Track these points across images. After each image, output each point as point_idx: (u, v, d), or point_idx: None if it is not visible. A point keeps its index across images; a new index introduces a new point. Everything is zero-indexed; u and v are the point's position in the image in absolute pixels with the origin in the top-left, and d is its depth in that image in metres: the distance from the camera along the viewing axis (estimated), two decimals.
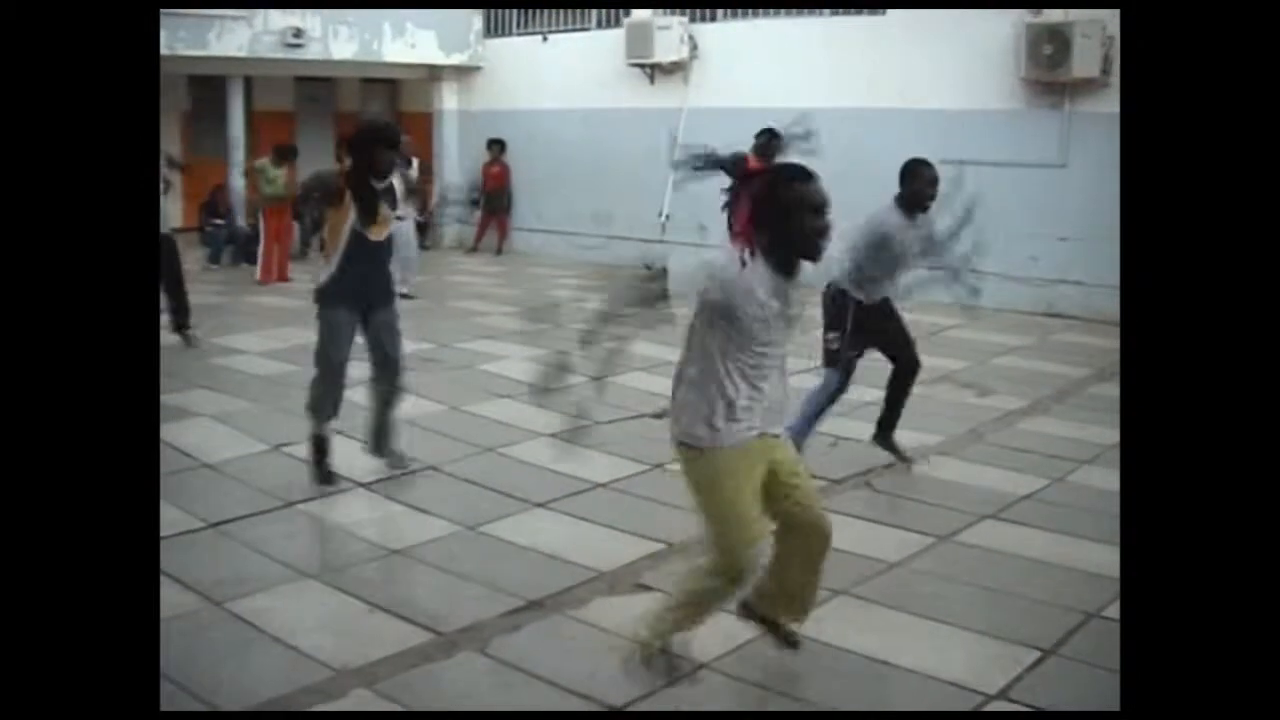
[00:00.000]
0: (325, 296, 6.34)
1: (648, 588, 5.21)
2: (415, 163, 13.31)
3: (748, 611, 4.43)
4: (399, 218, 12.82)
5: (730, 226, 7.89)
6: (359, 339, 6.50)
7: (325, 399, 6.48)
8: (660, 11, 15.76)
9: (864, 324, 6.64)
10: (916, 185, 6.52)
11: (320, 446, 6.55)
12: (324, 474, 6.52)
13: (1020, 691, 4.39)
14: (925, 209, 6.56)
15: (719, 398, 3.90)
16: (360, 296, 6.34)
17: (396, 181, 6.32)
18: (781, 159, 9.45)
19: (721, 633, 4.46)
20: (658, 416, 8.05)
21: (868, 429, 7.22)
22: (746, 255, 3.81)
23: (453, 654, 4.65)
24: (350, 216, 6.14)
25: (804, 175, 3.87)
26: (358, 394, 6.85)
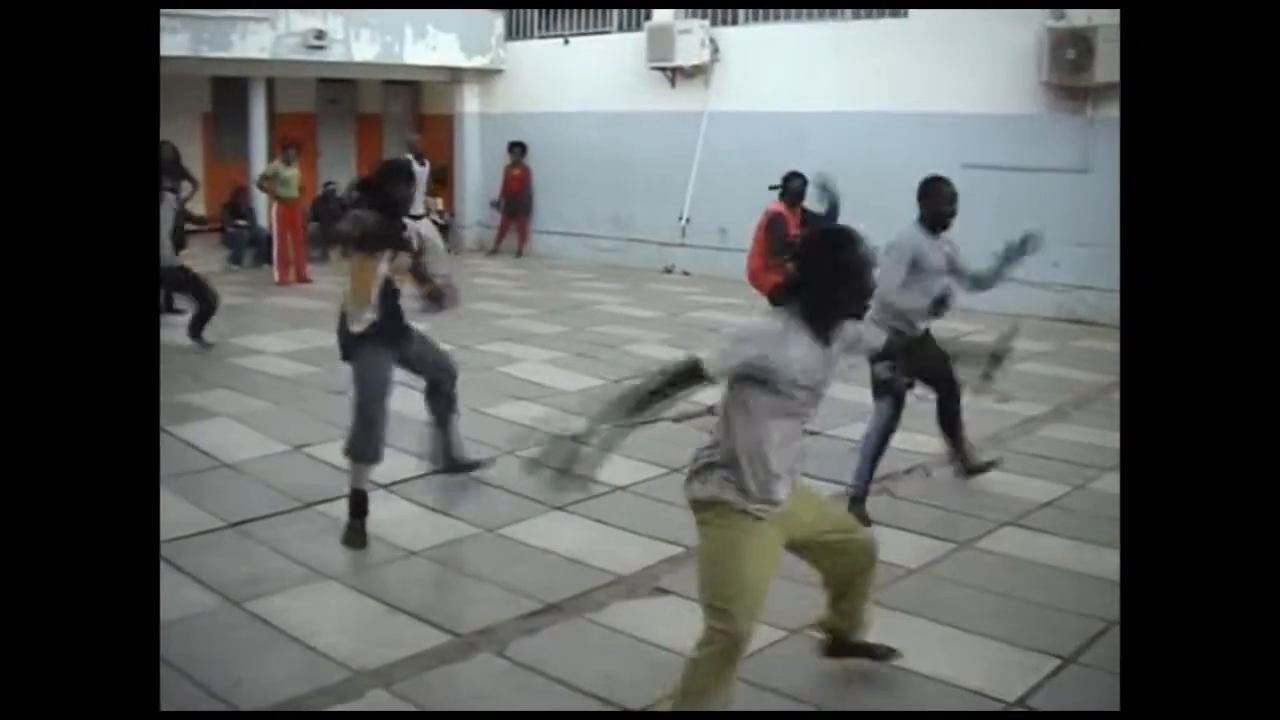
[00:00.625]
0: (364, 340, 6.00)
1: (666, 591, 5.20)
2: (427, 163, 13.28)
3: (837, 647, 4.47)
4: (415, 216, 12.90)
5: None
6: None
7: (367, 438, 5.99)
8: (681, 14, 15.77)
9: (912, 354, 6.50)
10: (936, 204, 6.39)
11: (360, 503, 6.00)
12: (357, 535, 5.93)
13: (1039, 700, 4.38)
14: (947, 226, 6.44)
15: (755, 465, 3.78)
16: (393, 339, 6.09)
17: (419, 232, 6.13)
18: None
19: None
20: (677, 420, 8.06)
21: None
22: (784, 317, 3.77)
23: (470, 656, 4.66)
24: (383, 267, 5.91)
25: (854, 239, 3.83)
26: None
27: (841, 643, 4.46)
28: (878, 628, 4.87)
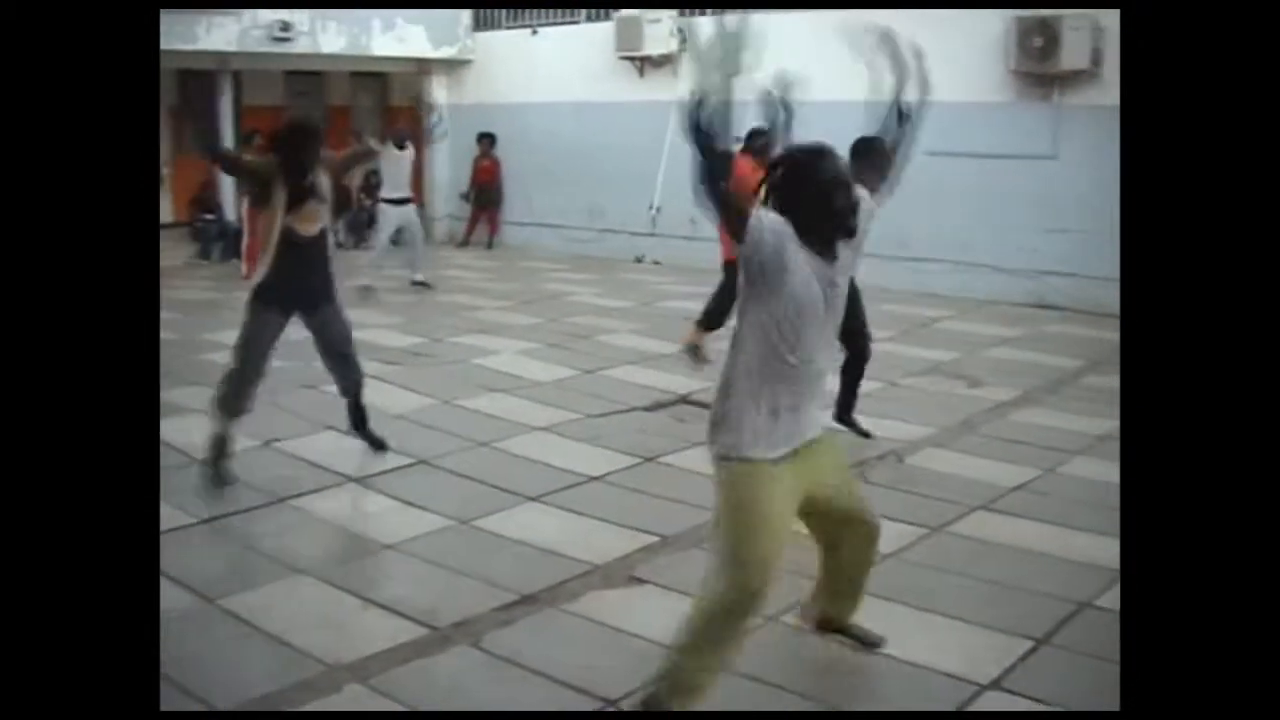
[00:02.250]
0: (257, 295, 6.25)
1: (642, 580, 5.21)
2: (410, 146, 13.23)
3: (825, 625, 4.47)
4: (405, 200, 12.86)
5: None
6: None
7: (237, 396, 6.37)
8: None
9: None
10: (873, 160, 6.37)
11: (220, 447, 6.37)
12: (220, 476, 6.33)
13: (1013, 681, 4.40)
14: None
15: (765, 404, 3.69)
16: (295, 298, 6.28)
17: (321, 175, 6.23)
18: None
19: None
20: (651, 409, 8.09)
21: (861, 422, 7.26)
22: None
23: (446, 648, 4.65)
24: (279, 213, 6.08)
25: (828, 152, 3.73)
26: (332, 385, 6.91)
27: (830, 622, 4.45)
28: None
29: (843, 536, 4.19)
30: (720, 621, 3.78)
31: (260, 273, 6.22)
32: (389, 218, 13.03)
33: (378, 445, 6.92)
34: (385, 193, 13.03)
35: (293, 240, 6.10)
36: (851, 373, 7.18)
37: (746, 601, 3.74)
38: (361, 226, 16.90)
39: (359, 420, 6.92)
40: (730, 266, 9.30)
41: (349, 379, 6.73)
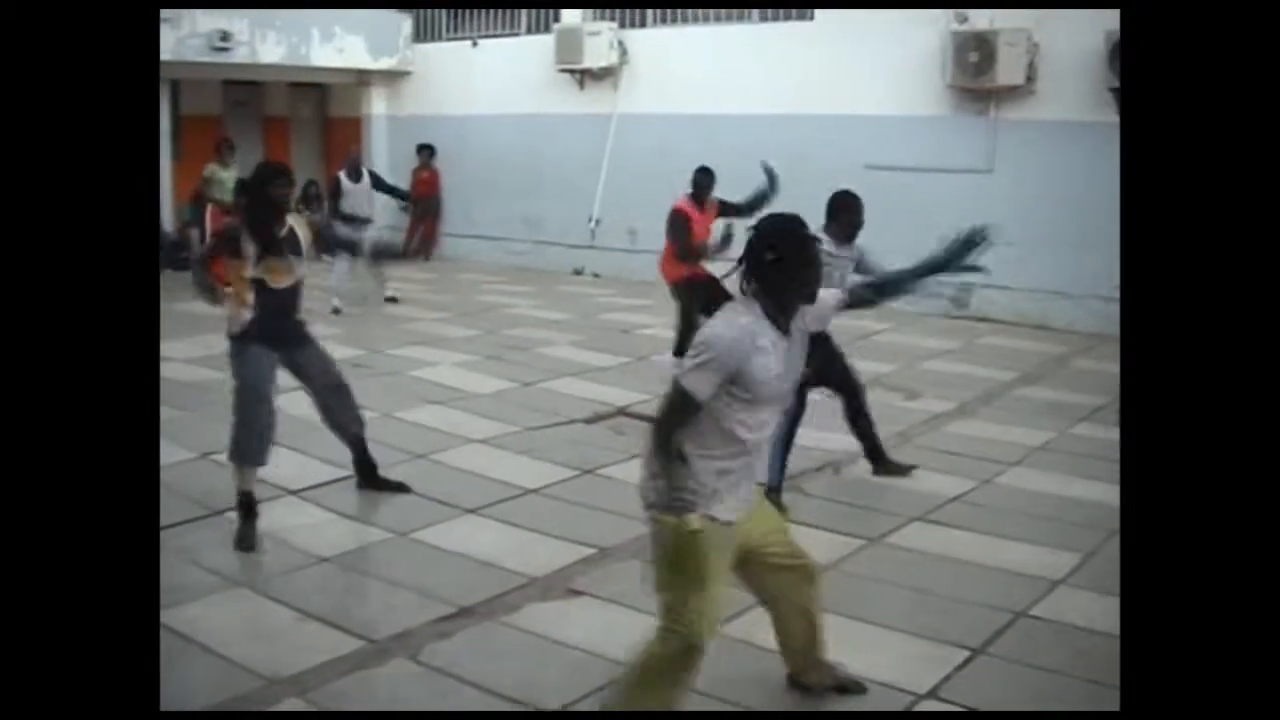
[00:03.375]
0: (238, 338, 5.97)
1: (579, 592, 5.22)
2: (367, 173, 13.18)
3: (797, 685, 4.47)
4: (364, 220, 12.75)
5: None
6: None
7: (248, 441, 5.97)
8: (590, 16, 15.79)
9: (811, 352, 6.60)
10: (849, 216, 6.60)
11: (248, 505, 5.96)
12: (248, 538, 5.86)
13: (950, 691, 4.46)
14: (854, 238, 6.66)
15: (717, 467, 3.73)
16: (274, 338, 6.01)
17: (299, 228, 6.05)
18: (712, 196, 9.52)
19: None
20: (590, 422, 8.10)
21: (800, 434, 7.28)
22: (746, 314, 3.72)
23: (385, 661, 4.64)
24: (249, 266, 5.85)
25: (803, 225, 3.82)
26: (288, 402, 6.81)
27: (803, 683, 4.45)
28: None
29: (780, 588, 4.19)
30: (664, 672, 3.81)
31: (241, 321, 5.92)
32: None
33: (398, 489, 6.67)
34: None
35: (265, 288, 5.94)
36: (859, 420, 7.08)
37: (692, 654, 3.76)
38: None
39: (368, 469, 6.68)
40: (679, 288, 9.34)
41: (349, 413, 6.49)
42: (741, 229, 6.32)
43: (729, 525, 3.77)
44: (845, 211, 6.60)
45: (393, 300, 13.25)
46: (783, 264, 3.72)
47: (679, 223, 9.23)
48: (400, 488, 6.65)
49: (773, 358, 3.70)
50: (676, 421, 3.66)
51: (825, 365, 6.59)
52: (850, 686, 4.43)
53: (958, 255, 4.33)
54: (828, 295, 4.01)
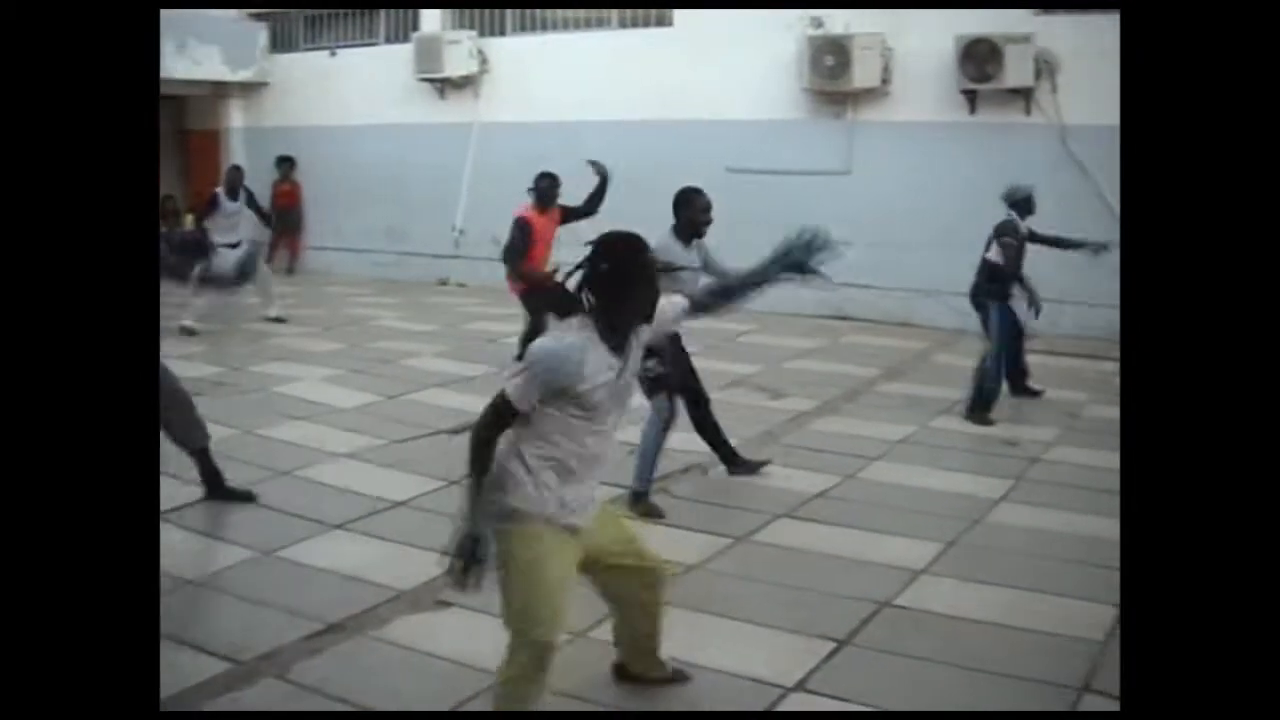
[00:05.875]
0: None
1: (448, 604, 5.18)
2: (244, 194, 12.88)
3: (626, 676, 4.50)
4: (236, 244, 12.54)
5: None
6: None
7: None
8: (449, 25, 15.72)
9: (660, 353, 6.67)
10: (693, 213, 6.60)
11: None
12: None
13: (817, 682, 4.54)
14: (702, 235, 6.66)
15: (560, 477, 3.76)
16: None
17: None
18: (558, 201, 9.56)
19: None
20: (455, 432, 8.05)
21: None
22: (579, 331, 3.71)
23: (253, 682, 4.56)
24: None
25: (643, 244, 3.82)
26: None
27: (631, 673, 4.49)
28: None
29: (628, 589, 4.20)
30: (526, 681, 3.82)
31: None
32: (225, 260, 12.70)
33: (245, 498, 6.66)
34: (218, 239, 12.61)
35: None
36: (705, 428, 7.12)
37: (544, 656, 3.78)
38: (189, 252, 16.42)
39: (214, 480, 6.66)
40: (528, 297, 9.34)
41: (190, 427, 6.47)
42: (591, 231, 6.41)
43: (569, 529, 3.80)
44: (687, 208, 6.60)
45: (279, 320, 12.88)
46: (617, 281, 3.71)
47: (520, 231, 9.25)
48: (247, 497, 6.62)
49: (604, 374, 3.70)
50: (494, 426, 3.71)
51: (673, 368, 6.63)
52: (677, 677, 4.50)
53: (800, 257, 4.39)
54: (668, 306, 4.02)
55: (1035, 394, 9.24)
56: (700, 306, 4.32)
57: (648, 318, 3.82)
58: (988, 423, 8.52)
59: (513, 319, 10.89)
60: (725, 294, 4.59)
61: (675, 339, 6.77)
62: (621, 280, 3.71)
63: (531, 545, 3.74)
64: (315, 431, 8.13)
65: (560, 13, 15.26)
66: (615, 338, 3.75)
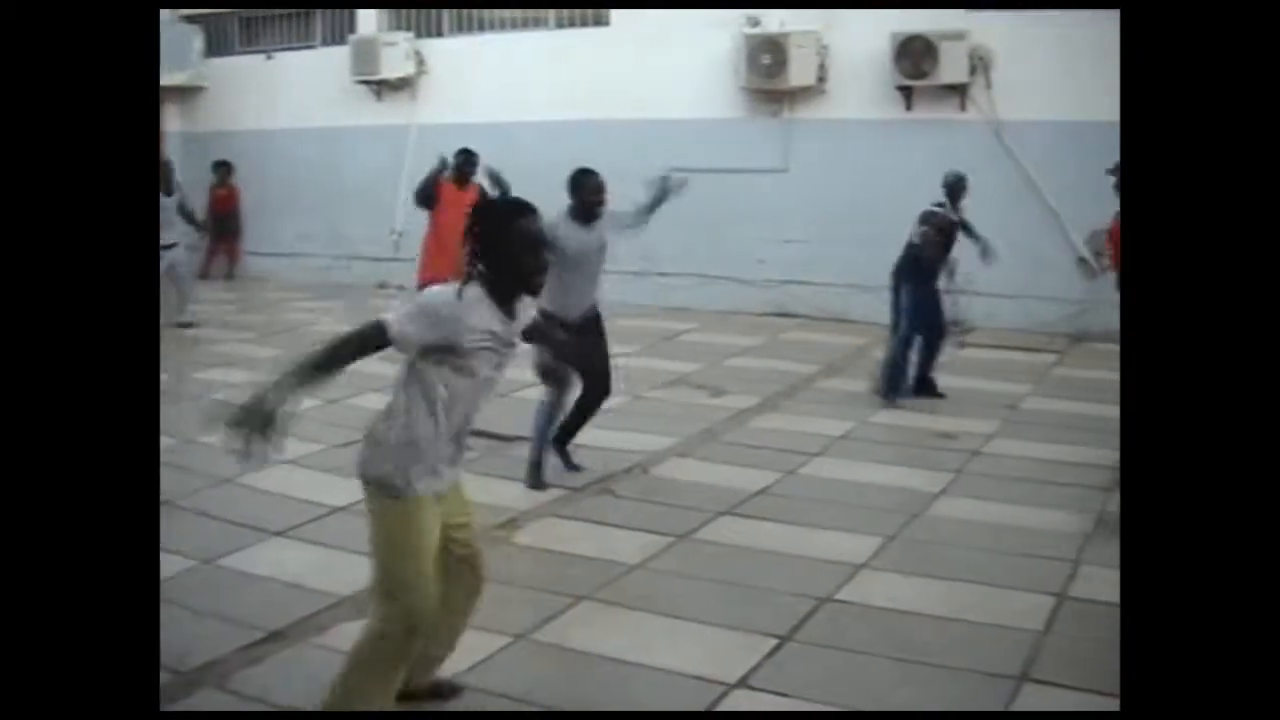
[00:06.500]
0: None
1: None
2: (178, 192, 12.73)
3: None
4: (169, 245, 12.37)
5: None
6: None
7: None
8: (385, 27, 15.64)
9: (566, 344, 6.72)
10: (584, 195, 6.80)
11: None
12: None
13: (759, 679, 4.56)
14: (596, 216, 6.84)
15: (431, 445, 3.79)
16: None
17: None
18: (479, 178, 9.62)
19: (464, 646, 4.46)
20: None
21: (608, 436, 7.37)
22: (462, 287, 3.72)
23: (193, 692, 4.52)
24: None
25: (525, 211, 3.82)
26: None
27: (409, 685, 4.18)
28: (601, 624, 5.01)
29: (453, 577, 4.10)
30: (384, 655, 3.83)
31: None
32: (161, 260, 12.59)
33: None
34: None
35: None
36: (586, 408, 7.15)
37: (415, 624, 3.79)
38: None
39: None
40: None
41: None
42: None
43: (430, 499, 3.82)
44: (577, 190, 6.81)
45: (187, 325, 12.78)
46: (496, 248, 3.74)
47: (428, 182, 9.91)
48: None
49: (488, 336, 3.73)
50: (354, 346, 3.72)
51: (589, 354, 6.72)
52: (446, 692, 4.38)
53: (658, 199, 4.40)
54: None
55: (938, 395, 9.31)
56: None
57: (531, 289, 3.83)
58: (894, 404, 8.87)
59: None
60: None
61: (596, 322, 6.85)
62: (500, 247, 3.74)
63: (406, 518, 3.78)
64: None
65: (497, 13, 15.21)
66: (500, 300, 3.77)
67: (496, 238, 3.74)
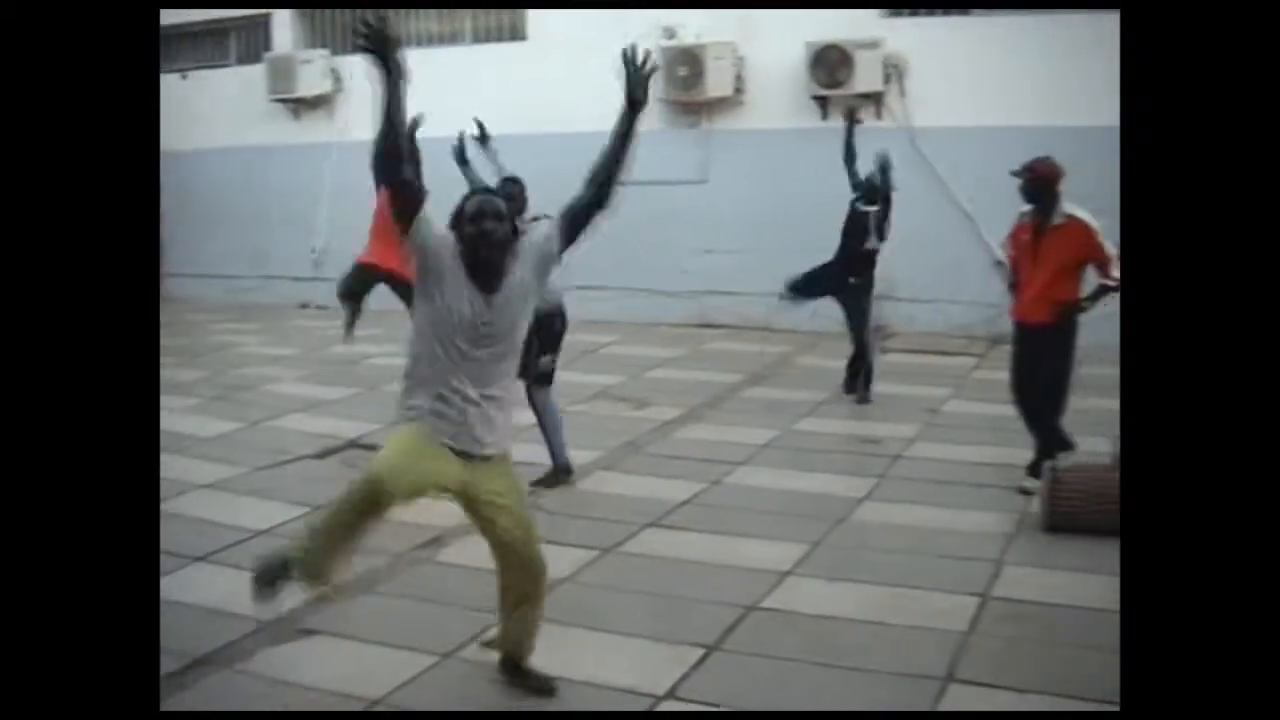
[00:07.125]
0: None
1: (313, 631, 5.14)
2: None
3: (504, 661, 4.60)
4: None
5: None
6: None
7: None
8: (301, 45, 15.53)
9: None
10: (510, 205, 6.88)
11: None
12: None
13: (688, 689, 4.59)
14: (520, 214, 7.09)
15: (422, 375, 4.16)
16: None
17: None
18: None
19: (390, 665, 4.45)
20: (320, 457, 7.97)
21: (534, 451, 7.35)
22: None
23: None
24: None
25: (476, 192, 4.38)
26: None
27: (506, 657, 4.60)
28: None
29: (505, 561, 4.40)
30: (352, 505, 4.04)
31: None
32: None
33: None
34: None
35: None
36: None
37: (374, 487, 3.98)
38: None
39: None
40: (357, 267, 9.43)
41: None
42: None
43: (429, 434, 4.12)
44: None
45: None
46: (451, 226, 4.20)
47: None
48: None
49: (466, 300, 4.11)
50: (404, 155, 4.47)
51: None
52: (543, 686, 4.57)
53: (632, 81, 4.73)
54: (543, 225, 4.70)
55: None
56: (577, 209, 4.66)
57: (481, 267, 4.15)
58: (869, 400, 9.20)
59: (372, 340, 10.80)
60: (595, 179, 4.83)
61: (560, 312, 6.94)
62: (451, 224, 4.21)
63: (400, 433, 4.17)
64: (177, 463, 7.93)
65: (414, 28, 15.14)
66: (475, 275, 4.14)
67: (455, 217, 4.20)
